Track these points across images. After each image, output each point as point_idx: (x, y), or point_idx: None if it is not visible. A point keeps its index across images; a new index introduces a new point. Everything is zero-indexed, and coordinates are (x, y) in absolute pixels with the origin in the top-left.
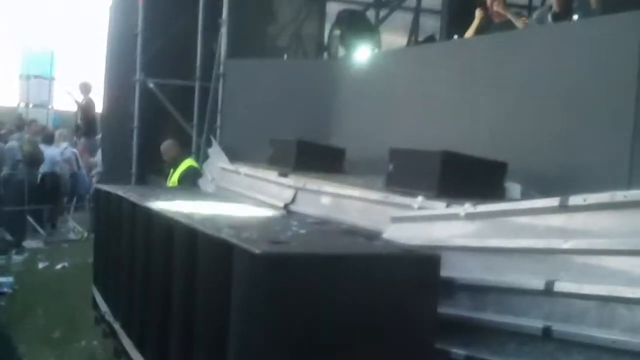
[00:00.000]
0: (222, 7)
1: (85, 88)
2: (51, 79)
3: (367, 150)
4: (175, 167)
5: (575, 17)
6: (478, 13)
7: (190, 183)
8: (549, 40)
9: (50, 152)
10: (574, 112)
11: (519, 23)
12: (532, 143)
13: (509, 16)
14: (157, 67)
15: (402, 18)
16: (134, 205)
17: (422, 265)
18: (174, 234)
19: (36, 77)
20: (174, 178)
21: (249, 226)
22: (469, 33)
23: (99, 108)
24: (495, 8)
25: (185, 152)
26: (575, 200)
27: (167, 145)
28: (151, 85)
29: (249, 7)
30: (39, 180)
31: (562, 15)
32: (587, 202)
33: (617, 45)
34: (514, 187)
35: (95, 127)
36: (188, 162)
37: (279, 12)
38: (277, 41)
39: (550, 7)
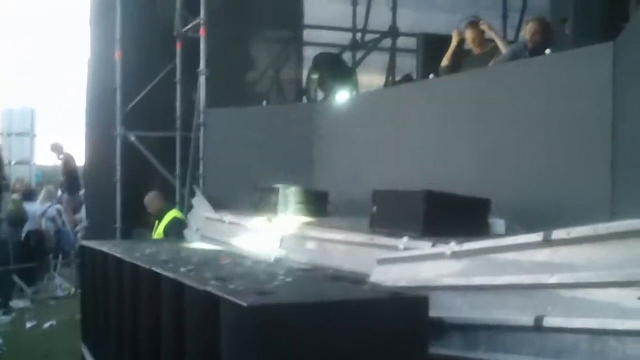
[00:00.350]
0: (199, 56)
1: (56, 148)
2: (32, 135)
3: (350, 192)
4: (160, 218)
5: (548, 51)
6: (455, 35)
7: (176, 234)
8: (524, 75)
9: (33, 208)
10: (554, 145)
11: (502, 46)
12: (514, 178)
13: (494, 37)
14: (137, 119)
15: (379, 58)
16: (119, 260)
17: (410, 307)
18: (161, 288)
19: (17, 134)
20: (159, 230)
21: (235, 276)
22: (446, 58)
23: (80, 163)
24: (472, 35)
25: (169, 203)
26: (558, 234)
27: (150, 197)
28: (132, 138)
29: (227, 55)
30: (23, 238)
31: (537, 50)
32: (570, 236)
33: (591, 77)
34: (498, 223)
35: (78, 182)
36: (172, 213)
37: (257, 58)
38: (257, 87)
39: (525, 44)
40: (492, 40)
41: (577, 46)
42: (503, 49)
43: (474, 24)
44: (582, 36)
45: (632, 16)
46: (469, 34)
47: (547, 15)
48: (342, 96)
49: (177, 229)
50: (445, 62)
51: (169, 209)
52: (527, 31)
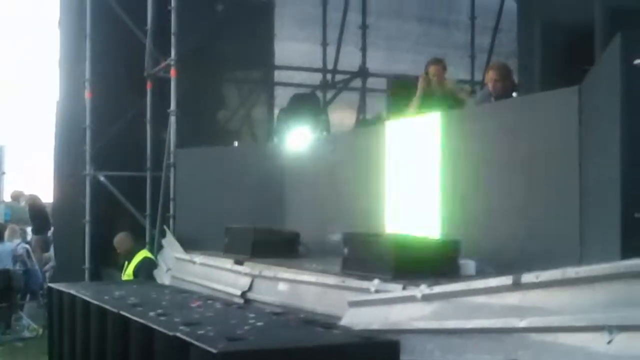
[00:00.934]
0: (170, 96)
1: (17, 197)
2: (1, 173)
3: (322, 232)
4: (130, 259)
5: (515, 94)
6: (421, 81)
7: (146, 275)
8: (492, 118)
9: (2, 249)
10: (522, 186)
11: (462, 95)
12: (483, 219)
13: (450, 87)
14: (107, 159)
15: (349, 98)
16: (87, 304)
17: (382, 352)
18: (129, 333)
19: None
20: (128, 271)
21: (205, 320)
22: (413, 105)
23: (48, 201)
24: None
25: (139, 244)
26: (528, 278)
27: (120, 238)
28: (102, 178)
29: (198, 95)
30: None
31: (500, 97)
32: (539, 280)
33: (558, 120)
34: (468, 264)
35: (47, 221)
36: (142, 254)
37: (228, 98)
38: (228, 127)
39: (489, 92)
40: (462, 83)
41: (544, 88)
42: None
43: (438, 60)
44: (549, 78)
45: (596, 59)
46: (432, 70)
47: (514, 59)
48: (313, 136)
49: (147, 270)
50: (412, 108)
51: (139, 249)
52: (488, 78)
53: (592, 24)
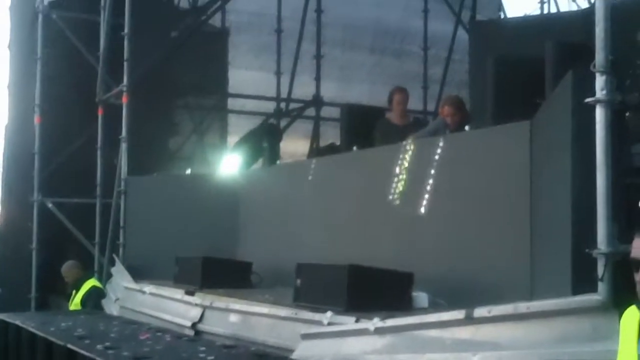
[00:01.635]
0: (121, 122)
1: None
2: None
3: (275, 262)
4: (78, 288)
5: (467, 127)
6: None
7: (94, 305)
8: (445, 150)
9: None
10: (475, 219)
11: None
12: (435, 251)
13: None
14: (55, 185)
15: (303, 127)
16: (33, 335)
17: None
18: None
19: None
20: (76, 300)
21: (155, 354)
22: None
23: None
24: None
25: (87, 272)
26: (480, 312)
27: (68, 267)
28: (50, 205)
29: (150, 121)
30: None
31: (456, 129)
32: (491, 314)
33: (509, 154)
34: (421, 297)
35: None
36: (90, 283)
37: (181, 124)
38: (180, 153)
39: (445, 122)
40: (415, 113)
41: (495, 120)
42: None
43: (402, 89)
44: (500, 110)
45: (547, 93)
46: (397, 97)
47: (466, 89)
48: (266, 165)
49: (95, 300)
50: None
51: (87, 278)
52: (443, 112)
53: (543, 57)
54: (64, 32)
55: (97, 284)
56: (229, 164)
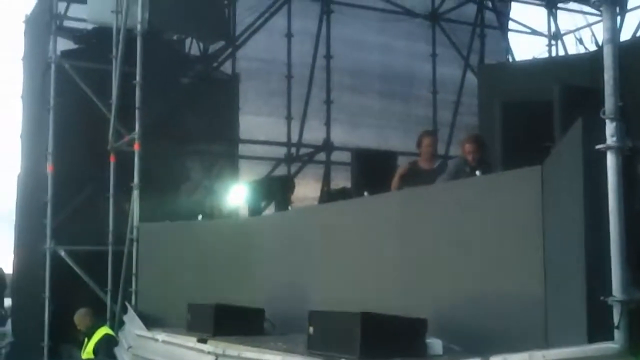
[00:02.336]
0: (132, 169)
1: None
2: None
3: (287, 308)
4: (90, 336)
5: (478, 173)
6: (401, 167)
7: (106, 353)
8: (457, 195)
9: None
10: (487, 266)
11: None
12: (449, 297)
13: None
14: (67, 233)
15: (314, 171)
16: None
17: None
18: None
19: None
20: (88, 348)
21: None
22: (395, 181)
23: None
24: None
25: (99, 320)
26: None
27: (80, 315)
28: (62, 253)
29: (161, 167)
30: None
31: (476, 167)
32: None
33: (521, 198)
34: (435, 343)
35: (2, 295)
36: (103, 331)
37: (192, 169)
38: (191, 200)
39: (465, 160)
40: (440, 158)
41: (505, 165)
42: None
43: (431, 132)
44: (510, 154)
45: (556, 137)
46: (427, 140)
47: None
48: (276, 210)
49: (107, 347)
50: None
51: (99, 326)
52: (465, 150)
53: (551, 101)
54: (76, 81)
55: (110, 331)
56: (236, 196)
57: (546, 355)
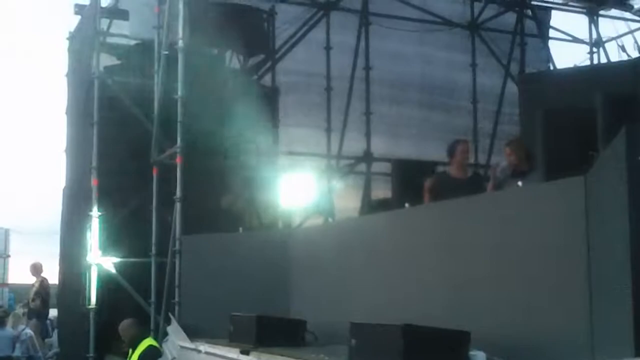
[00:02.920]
0: (175, 182)
1: (36, 269)
2: (6, 256)
3: (328, 320)
4: (134, 347)
5: (520, 183)
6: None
7: None
8: (500, 207)
9: (2, 335)
10: (531, 277)
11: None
12: (492, 309)
13: None
14: (111, 246)
15: (354, 183)
16: None
17: None
18: None
19: None
20: (133, 359)
21: None
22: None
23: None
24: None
25: (144, 331)
26: None
27: (125, 325)
28: (106, 265)
29: (202, 180)
30: None
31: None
32: None
33: (565, 210)
34: (479, 356)
35: (47, 308)
36: (147, 342)
37: (232, 181)
38: (232, 213)
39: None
40: (472, 166)
41: (549, 174)
42: None
43: (465, 140)
44: (553, 163)
45: (600, 145)
46: (461, 147)
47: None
48: (319, 222)
49: (151, 358)
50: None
51: (144, 337)
52: (505, 154)
53: (593, 109)
54: (119, 96)
55: (154, 342)
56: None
57: None
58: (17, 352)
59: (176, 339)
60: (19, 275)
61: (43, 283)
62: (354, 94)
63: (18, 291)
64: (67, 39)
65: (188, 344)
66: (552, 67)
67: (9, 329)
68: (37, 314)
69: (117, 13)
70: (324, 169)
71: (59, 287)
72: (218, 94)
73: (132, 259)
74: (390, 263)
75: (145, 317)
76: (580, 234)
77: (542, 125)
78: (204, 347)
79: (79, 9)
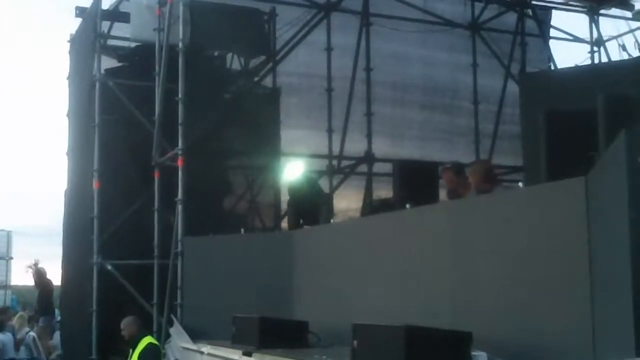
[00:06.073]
0: (177, 184)
1: (39, 273)
2: (9, 258)
3: (331, 320)
4: (135, 346)
5: (520, 184)
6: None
7: None
8: (501, 207)
9: (3, 338)
10: (532, 278)
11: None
12: (494, 310)
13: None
14: (114, 247)
15: (355, 183)
16: None
17: None
18: None
19: None
20: (133, 358)
21: None
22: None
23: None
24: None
25: (144, 330)
26: None
27: (127, 322)
28: (109, 267)
29: (204, 181)
30: None
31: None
32: None
33: (566, 210)
34: (480, 357)
35: (52, 303)
36: (147, 340)
37: (234, 182)
38: (234, 214)
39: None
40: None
41: (549, 174)
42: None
43: (447, 169)
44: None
45: (601, 146)
46: (445, 177)
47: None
48: (319, 223)
49: (152, 356)
50: None
51: (144, 335)
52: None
53: (595, 109)
54: (120, 98)
55: (154, 340)
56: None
57: None
58: (22, 355)
59: (179, 340)
60: (22, 277)
61: (46, 285)
62: (355, 95)
63: (21, 293)
64: (69, 41)
65: (190, 345)
66: (553, 67)
67: (8, 333)
68: (42, 311)
69: (118, 15)
70: (325, 170)
71: (62, 289)
72: (219, 96)
73: (134, 261)
74: (392, 264)
75: (148, 319)
76: (582, 234)
77: (544, 125)
78: (206, 348)
79: (80, 11)
